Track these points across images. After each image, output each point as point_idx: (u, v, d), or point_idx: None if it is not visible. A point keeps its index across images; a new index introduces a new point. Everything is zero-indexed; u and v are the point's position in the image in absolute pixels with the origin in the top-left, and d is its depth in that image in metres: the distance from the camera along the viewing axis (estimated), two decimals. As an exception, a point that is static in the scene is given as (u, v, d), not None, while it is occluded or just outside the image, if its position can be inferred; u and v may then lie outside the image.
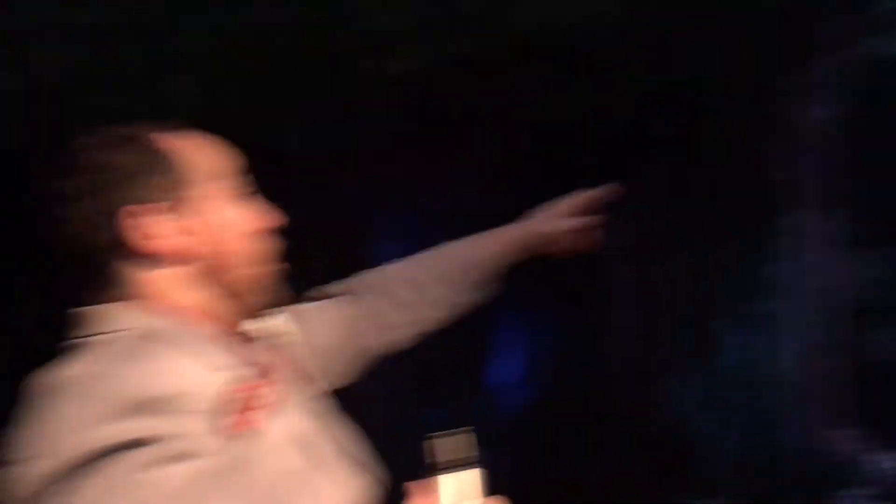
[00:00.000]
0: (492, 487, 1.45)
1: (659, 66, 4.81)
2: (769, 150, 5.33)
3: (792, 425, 5.36)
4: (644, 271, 5.76)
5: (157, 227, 1.05)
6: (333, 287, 1.17)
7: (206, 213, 1.05)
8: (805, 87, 5.27)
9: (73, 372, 0.95)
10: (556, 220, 1.28)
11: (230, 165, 1.00)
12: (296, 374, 1.04)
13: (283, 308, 1.08)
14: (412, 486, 1.25)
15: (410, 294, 1.27)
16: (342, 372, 1.18)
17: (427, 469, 1.34)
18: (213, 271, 1.04)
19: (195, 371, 0.97)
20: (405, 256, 1.58)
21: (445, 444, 1.39)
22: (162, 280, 1.04)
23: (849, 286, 5.13)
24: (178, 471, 0.88)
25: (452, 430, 1.53)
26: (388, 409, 5.58)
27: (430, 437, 1.70)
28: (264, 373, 1.02)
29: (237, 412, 0.96)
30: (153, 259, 1.04)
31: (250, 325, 1.05)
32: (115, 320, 1.05)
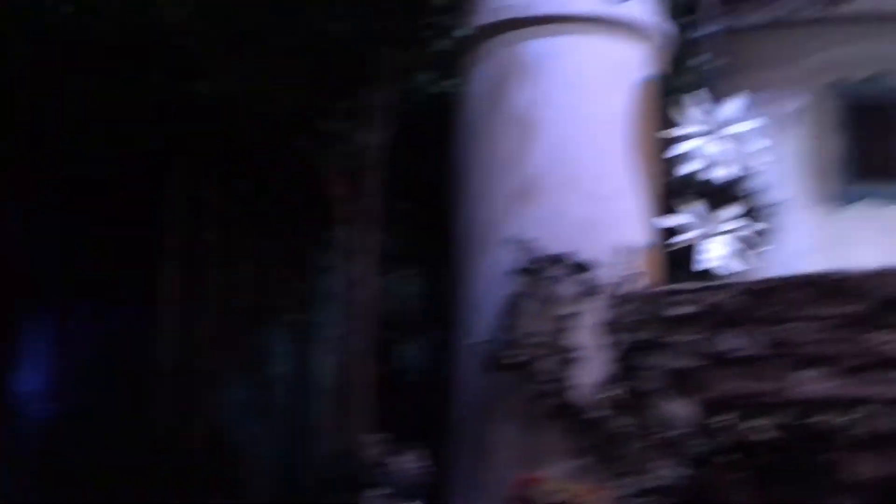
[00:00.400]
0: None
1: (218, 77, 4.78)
2: (324, 169, 5.59)
3: (328, 430, 5.66)
4: (192, 280, 5.67)
5: None
6: None
7: None
8: (361, 113, 5.64)
9: None
10: None
11: None
12: None
13: None
14: None
15: None
16: None
17: None
18: None
19: None
20: None
21: None
22: None
23: (382, 300, 5.57)
24: None
25: None
26: None
27: None
28: None
29: None
30: None
31: None
32: None
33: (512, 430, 4.89)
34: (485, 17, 5.25)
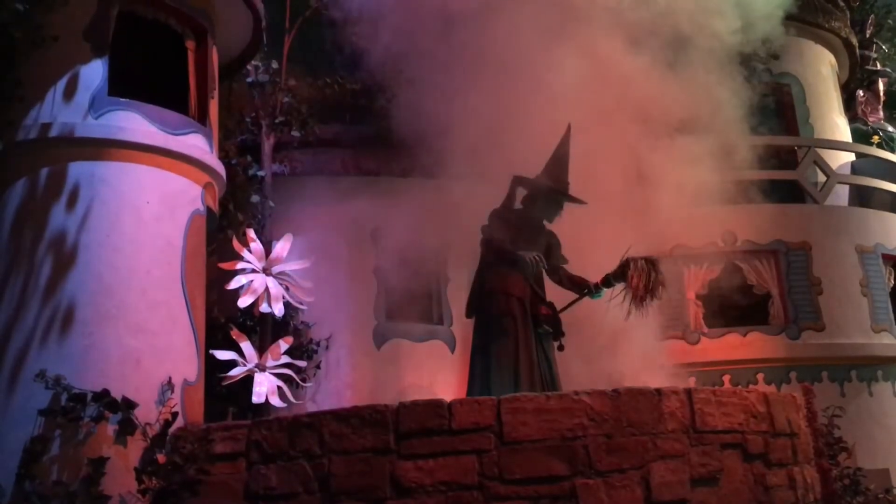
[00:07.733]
0: None
1: None
2: None
3: None
4: None
5: None
6: None
7: None
8: None
9: None
10: None
11: None
12: None
13: None
14: None
15: None
16: None
17: None
18: None
19: None
20: None
21: None
22: None
23: None
24: None
25: None
26: None
27: None
28: None
29: None
30: None
31: None
32: None
33: None
34: (26, 132, 4.88)
